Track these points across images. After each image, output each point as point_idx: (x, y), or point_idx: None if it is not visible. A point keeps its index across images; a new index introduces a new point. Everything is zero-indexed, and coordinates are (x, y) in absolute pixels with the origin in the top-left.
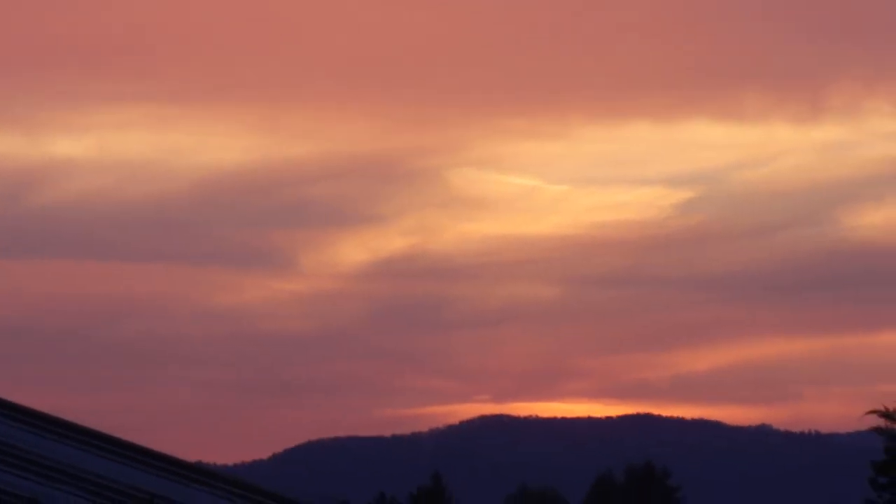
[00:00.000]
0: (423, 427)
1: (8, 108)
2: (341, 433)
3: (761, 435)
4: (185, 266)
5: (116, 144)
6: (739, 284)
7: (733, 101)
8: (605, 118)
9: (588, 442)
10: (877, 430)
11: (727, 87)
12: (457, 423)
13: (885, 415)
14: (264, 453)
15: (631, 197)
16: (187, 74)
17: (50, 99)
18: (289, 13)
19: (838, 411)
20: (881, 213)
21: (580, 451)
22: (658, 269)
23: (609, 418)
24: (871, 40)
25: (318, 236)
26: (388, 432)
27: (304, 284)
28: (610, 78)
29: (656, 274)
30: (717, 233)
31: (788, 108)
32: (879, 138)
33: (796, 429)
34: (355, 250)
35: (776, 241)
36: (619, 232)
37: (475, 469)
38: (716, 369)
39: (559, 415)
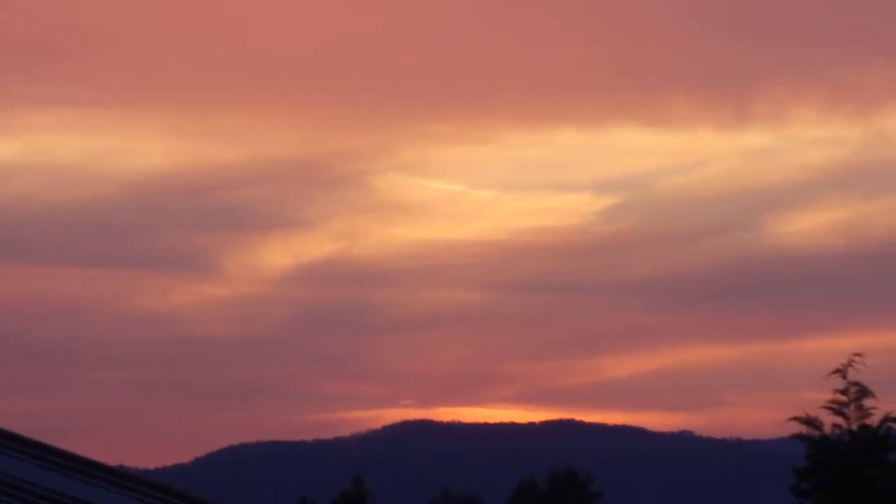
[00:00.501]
0: (346, 432)
1: None
2: (264, 437)
3: (683, 441)
4: (111, 269)
5: (44, 147)
6: (664, 291)
7: (660, 107)
8: (532, 123)
9: (511, 447)
10: (798, 437)
11: (654, 93)
12: (380, 427)
13: (807, 421)
14: (186, 457)
15: (556, 202)
16: (115, 78)
17: None
18: (217, 16)
19: (761, 418)
20: (806, 220)
21: (503, 456)
22: (582, 274)
23: (532, 424)
24: (797, 47)
25: (244, 240)
26: (310, 437)
27: (229, 289)
28: (537, 83)
29: (581, 280)
30: (642, 239)
31: (714, 115)
32: (805, 145)
33: (718, 435)
34: (281, 255)
35: (701, 247)
36: (544, 237)
37: (398, 474)
38: (639, 375)
39: (482, 420)
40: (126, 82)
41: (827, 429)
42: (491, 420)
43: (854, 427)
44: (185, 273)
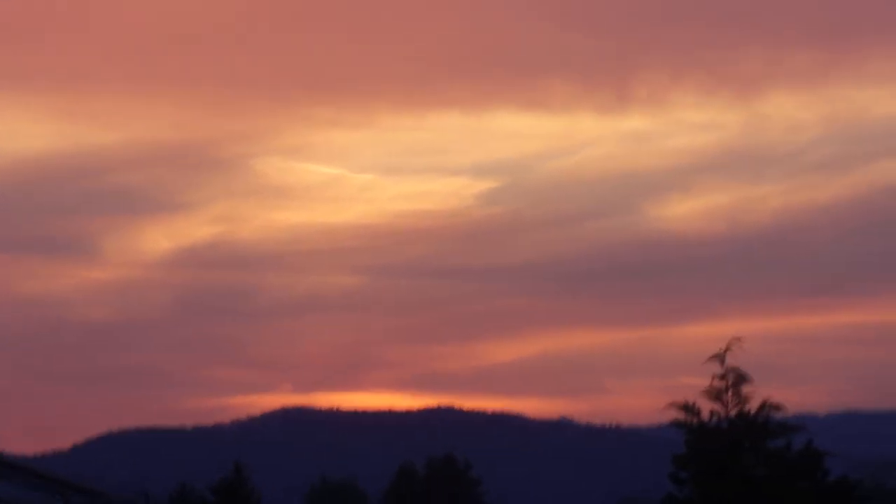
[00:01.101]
0: (226, 418)
1: None
2: (144, 423)
3: (563, 427)
4: None
5: None
6: (544, 275)
7: (539, 91)
8: (411, 107)
9: (390, 433)
10: (676, 424)
11: (533, 76)
12: (259, 414)
13: (685, 407)
14: (65, 443)
15: (436, 186)
16: None
17: None
18: None
19: (640, 404)
20: (687, 204)
21: (382, 442)
22: (462, 259)
23: (410, 410)
24: (675, 30)
25: (122, 224)
26: (189, 423)
27: (108, 273)
28: (416, 66)
29: (460, 264)
30: (522, 223)
31: (594, 99)
32: (685, 129)
33: (597, 421)
34: (160, 239)
35: (582, 231)
36: (423, 221)
37: (278, 460)
38: (518, 361)
39: (361, 406)
40: (2, 65)
41: (705, 415)
42: (370, 406)
43: (732, 413)
44: (63, 257)
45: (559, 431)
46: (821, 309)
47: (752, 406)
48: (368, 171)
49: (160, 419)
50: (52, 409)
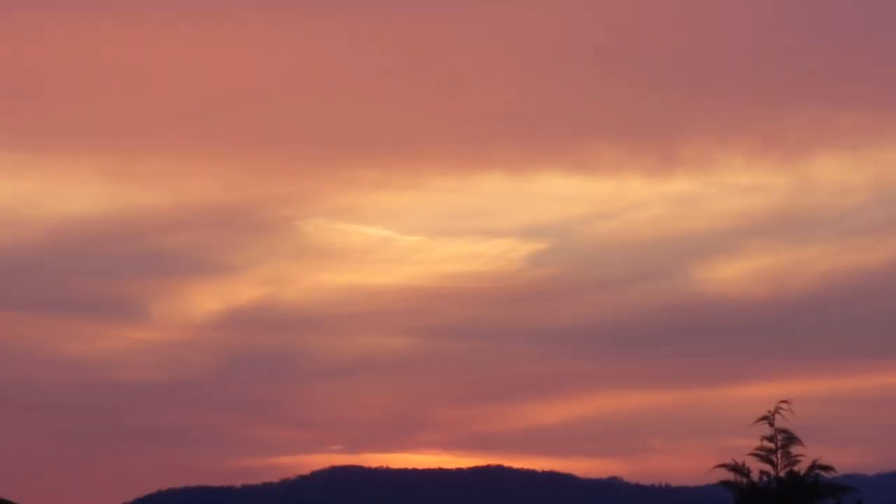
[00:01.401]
0: (275, 477)
1: None
2: (191, 483)
3: (613, 487)
4: (36, 314)
5: None
6: (590, 337)
7: (586, 153)
8: (458, 169)
9: (440, 493)
10: (726, 484)
11: (579, 139)
12: (308, 473)
13: (734, 468)
14: (114, 503)
15: (483, 248)
16: (37, 120)
17: None
18: (140, 57)
19: (688, 465)
20: (732, 267)
21: (432, 501)
22: (509, 321)
23: (460, 470)
24: (723, 93)
25: (170, 286)
26: (238, 482)
27: (155, 334)
28: (462, 128)
29: (507, 326)
30: (568, 285)
31: (641, 161)
32: (731, 192)
33: (647, 482)
34: (207, 300)
35: (627, 294)
36: (470, 283)
37: None
38: (566, 422)
39: (411, 465)
40: (49, 125)
41: (755, 475)
42: (419, 466)
43: (782, 474)
44: (110, 318)
45: (609, 491)
46: (868, 370)
47: (802, 467)
48: (416, 233)
49: (208, 478)
50: (101, 469)
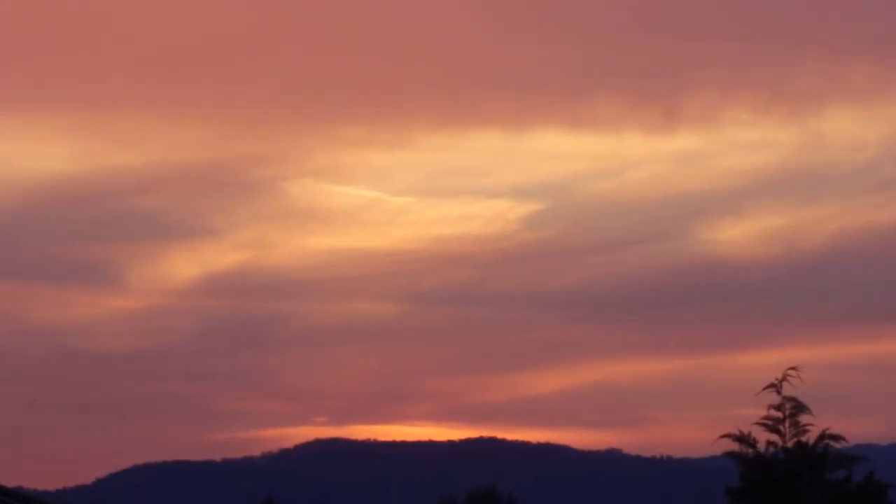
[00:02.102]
0: (257, 451)
1: None
2: (170, 457)
3: (611, 459)
4: (6, 280)
5: None
6: (589, 302)
7: (584, 109)
8: (450, 126)
9: (430, 466)
10: (731, 455)
11: (577, 94)
12: (291, 446)
13: (740, 438)
14: (88, 478)
15: (476, 209)
16: (7, 79)
17: None
18: (115, 13)
19: (692, 435)
20: (738, 228)
21: (422, 475)
22: (504, 285)
23: (451, 442)
24: (728, 45)
25: (146, 250)
26: (218, 456)
27: (131, 300)
28: (454, 85)
29: (502, 291)
30: (566, 247)
31: (641, 117)
32: (737, 148)
33: (647, 453)
34: (186, 265)
35: (628, 256)
36: (463, 246)
37: (312, 494)
38: (564, 391)
39: (400, 438)
40: (14, 82)
41: (761, 446)
42: (409, 438)
43: (790, 444)
44: (83, 285)
45: (607, 463)
46: (881, 336)
47: (811, 437)
48: (405, 194)
49: (187, 452)
50: (75, 442)
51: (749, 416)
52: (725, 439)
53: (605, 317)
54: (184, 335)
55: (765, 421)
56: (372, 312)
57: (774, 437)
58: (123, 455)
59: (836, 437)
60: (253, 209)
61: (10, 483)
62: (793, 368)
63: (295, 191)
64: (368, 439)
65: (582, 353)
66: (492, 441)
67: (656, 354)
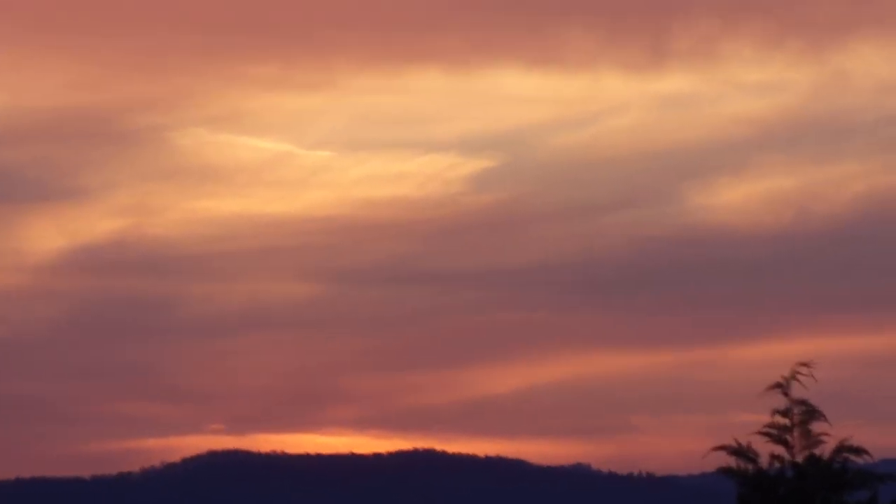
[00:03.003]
0: (135, 465)
1: None
2: (25, 473)
3: (577, 477)
4: None
5: None
6: (554, 282)
7: (550, 41)
8: (381, 63)
9: (352, 485)
10: (726, 472)
11: (542, 23)
12: (178, 460)
13: (738, 451)
14: None
15: (413, 166)
16: None
17: None
18: None
19: (678, 447)
20: (740, 190)
21: (342, 497)
22: (447, 260)
23: (378, 455)
24: None
25: (1, 214)
26: (87, 472)
27: None
28: (387, 13)
29: (445, 268)
30: (525, 214)
31: (622, 52)
32: (738, 92)
33: (623, 469)
34: (49, 235)
35: (602, 225)
36: (396, 212)
37: None
38: (518, 393)
39: (314, 450)
40: None
41: (764, 461)
42: (326, 450)
43: (799, 458)
44: None
45: (573, 481)
46: None
47: (826, 449)
48: (324, 147)
49: (48, 468)
50: None
51: (749, 423)
52: (720, 452)
53: (573, 300)
54: (45, 322)
55: (769, 430)
56: (281, 294)
57: (780, 450)
58: None
59: (858, 450)
60: (133, 166)
61: None
62: (804, 364)
63: (185, 143)
64: (275, 451)
65: (543, 346)
66: (429, 454)
67: (636, 347)
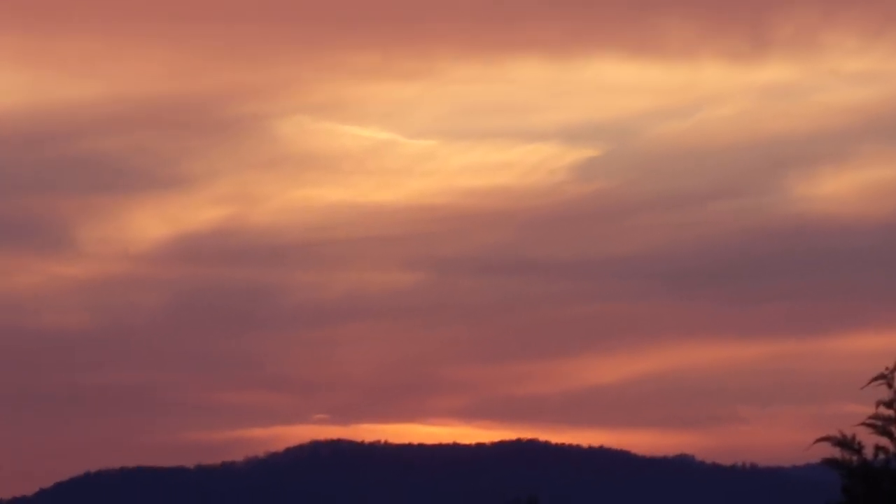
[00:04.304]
0: (239, 455)
1: None
2: (130, 463)
3: (681, 468)
4: None
5: None
6: (654, 273)
7: (650, 31)
8: (481, 53)
9: (455, 476)
10: (831, 463)
11: (642, 12)
12: (282, 450)
13: (842, 443)
14: (30, 488)
15: (515, 155)
16: None
17: None
18: None
19: (782, 438)
20: (842, 180)
21: (444, 486)
22: (549, 250)
23: (482, 445)
24: None
25: (103, 205)
26: (191, 462)
27: (83, 268)
28: (487, 1)
29: (548, 257)
30: (625, 203)
31: (723, 42)
32: (841, 81)
33: (726, 461)
34: (152, 224)
35: (705, 214)
36: (499, 201)
37: None
38: (622, 383)
39: (417, 441)
40: None
41: (868, 453)
42: (429, 440)
43: None
44: (23, 248)
45: (676, 472)
46: None
47: None
48: (427, 136)
49: (152, 457)
50: (12, 444)
51: (853, 414)
52: (823, 443)
53: (675, 290)
54: (149, 312)
55: (872, 421)
56: (384, 283)
57: (885, 442)
58: (73, 460)
59: None
60: (235, 154)
61: None
62: None
63: (288, 131)
64: (378, 441)
65: (645, 336)
66: (532, 444)
67: (738, 337)
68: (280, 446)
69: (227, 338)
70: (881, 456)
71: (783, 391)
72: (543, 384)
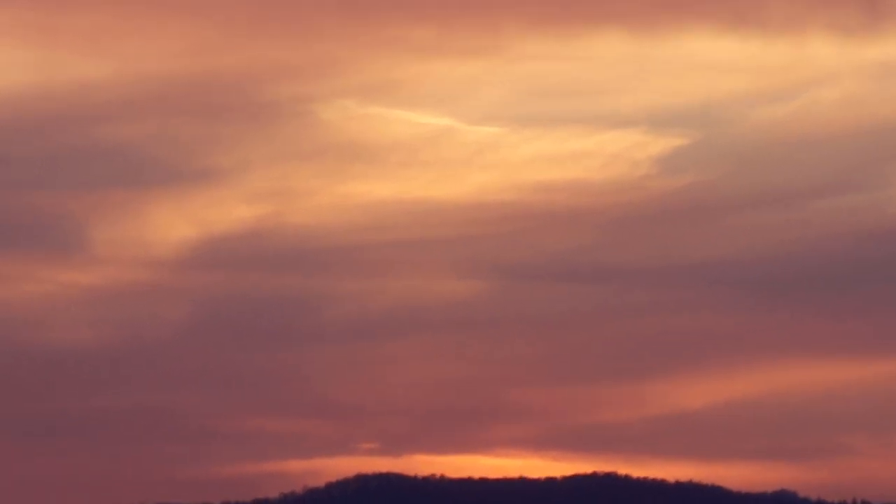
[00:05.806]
0: (273, 491)
1: None
2: (149, 499)
3: None
4: None
5: None
6: (753, 279)
7: (749, 3)
8: (555, 26)
9: None
10: None
11: None
12: (323, 484)
13: None
14: None
15: (593, 144)
16: None
17: None
18: None
19: None
20: None
21: None
22: (632, 254)
23: (552, 480)
24: None
25: (119, 202)
26: (218, 498)
27: (96, 275)
28: None
29: (630, 262)
30: (720, 200)
31: (832, 14)
32: None
33: (833, 497)
34: (173, 224)
35: (811, 213)
36: (574, 197)
37: None
38: (715, 407)
39: (479, 474)
40: None
41: None
42: (493, 474)
43: None
44: (31, 251)
45: None
46: None
47: None
48: (490, 122)
49: (175, 492)
50: (13, 474)
51: None
52: None
53: (776, 301)
54: (171, 325)
55: None
56: (441, 293)
57: None
58: (83, 497)
59: None
60: (271, 144)
61: None
62: None
63: (331, 117)
64: (434, 475)
65: (742, 354)
66: (611, 478)
67: (848, 355)
68: (321, 481)
69: (260, 355)
70: None
71: None
72: (624, 410)
